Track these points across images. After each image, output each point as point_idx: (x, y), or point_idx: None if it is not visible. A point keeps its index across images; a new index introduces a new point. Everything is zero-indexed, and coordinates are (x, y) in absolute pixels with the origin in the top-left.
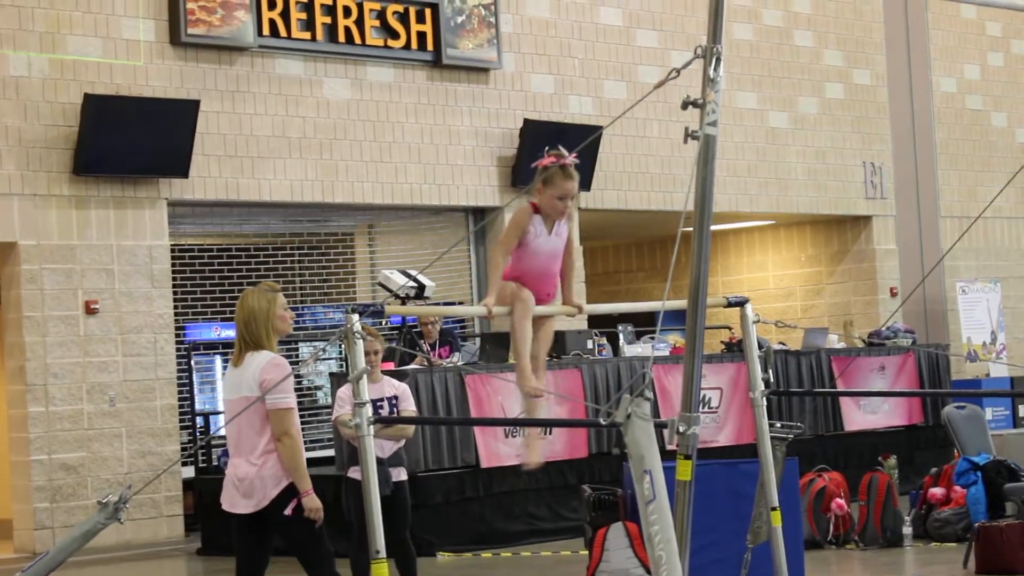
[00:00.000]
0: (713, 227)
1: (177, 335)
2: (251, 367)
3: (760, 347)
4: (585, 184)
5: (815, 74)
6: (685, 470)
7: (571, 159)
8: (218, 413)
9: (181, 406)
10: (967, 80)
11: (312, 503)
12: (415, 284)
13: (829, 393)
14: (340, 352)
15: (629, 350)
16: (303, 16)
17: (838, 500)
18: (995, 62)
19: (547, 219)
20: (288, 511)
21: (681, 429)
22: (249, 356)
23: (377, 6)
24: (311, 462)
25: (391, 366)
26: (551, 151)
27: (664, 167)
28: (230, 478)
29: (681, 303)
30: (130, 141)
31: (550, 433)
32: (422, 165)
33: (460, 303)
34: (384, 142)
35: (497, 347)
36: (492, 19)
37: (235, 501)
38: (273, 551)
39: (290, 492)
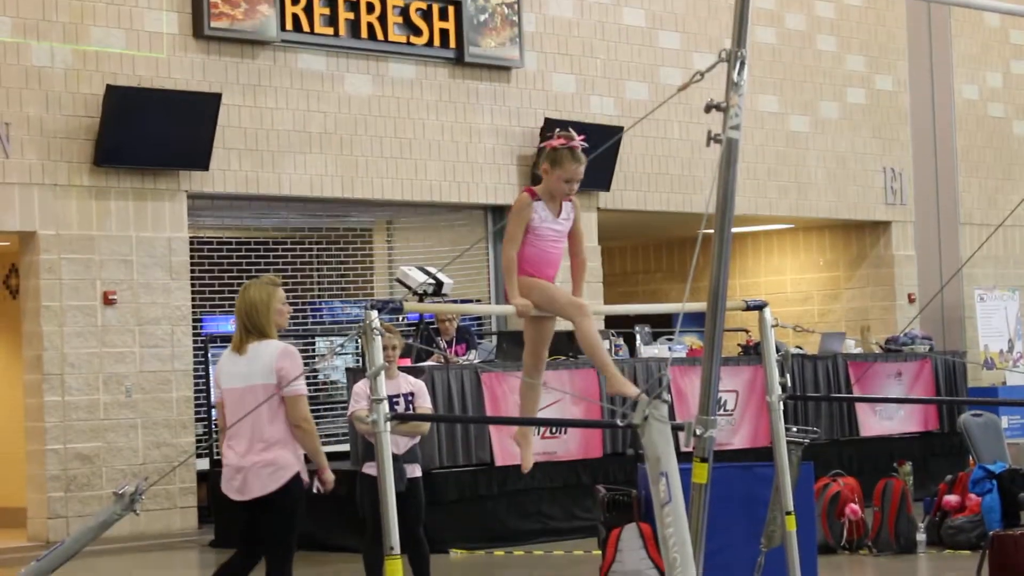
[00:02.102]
0: (732, 230)
1: (194, 327)
2: (263, 356)
3: (778, 351)
4: (605, 184)
5: (837, 79)
6: (701, 473)
7: (580, 141)
8: None
9: (197, 398)
10: (989, 88)
11: (330, 476)
12: (433, 281)
13: (846, 398)
14: (356, 347)
15: (646, 351)
16: (326, 11)
17: (852, 505)
18: (1018, 70)
19: (551, 202)
20: (313, 487)
21: (698, 432)
22: (254, 345)
23: (400, 2)
24: (325, 457)
25: (408, 362)
26: (561, 132)
27: (684, 168)
28: (233, 466)
29: (700, 306)
30: (151, 133)
31: (565, 433)
32: (442, 162)
33: (478, 301)
34: (404, 138)
35: (514, 345)
36: (515, 18)
37: (242, 488)
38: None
39: (294, 481)
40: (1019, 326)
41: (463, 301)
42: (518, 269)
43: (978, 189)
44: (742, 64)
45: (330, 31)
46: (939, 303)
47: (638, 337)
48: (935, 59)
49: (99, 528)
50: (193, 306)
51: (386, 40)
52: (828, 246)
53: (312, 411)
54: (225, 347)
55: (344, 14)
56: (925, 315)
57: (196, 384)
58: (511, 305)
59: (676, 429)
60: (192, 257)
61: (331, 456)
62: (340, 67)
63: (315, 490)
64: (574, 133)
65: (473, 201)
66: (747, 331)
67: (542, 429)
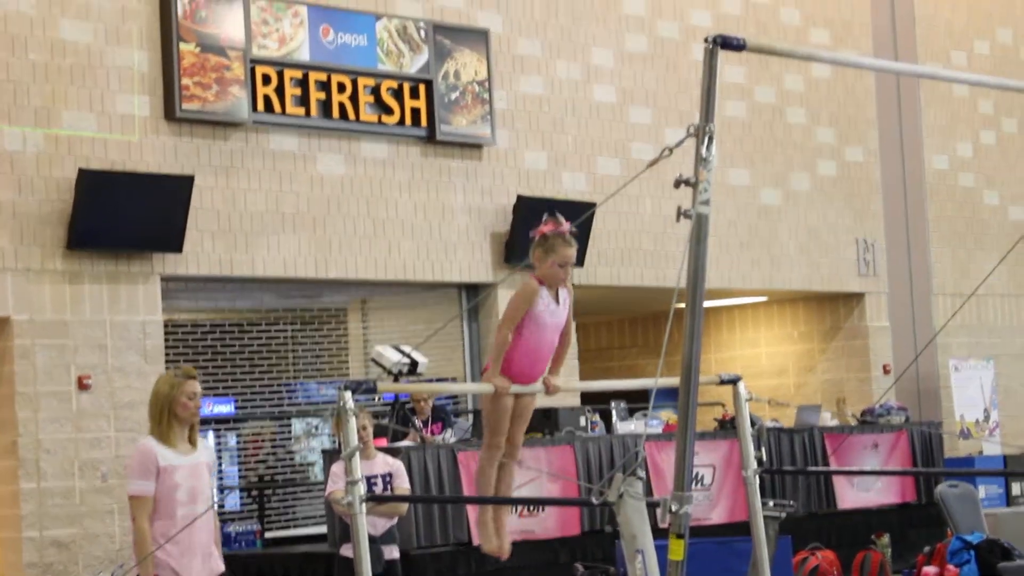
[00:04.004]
0: (705, 304)
1: None
2: None
3: (753, 424)
4: (578, 260)
5: (807, 151)
6: (678, 549)
7: (568, 226)
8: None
9: None
10: (959, 158)
11: None
12: (408, 360)
13: (822, 471)
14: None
15: (622, 427)
16: (297, 92)
17: None
18: (987, 140)
19: (550, 289)
20: None
21: (674, 508)
22: None
23: (371, 82)
24: (303, 539)
25: (384, 442)
26: (549, 218)
27: (657, 243)
28: None
29: (674, 381)
30: (124, 216)
31: (543, 511)
32: (415, 241)
33: (453, 379)
34: (377, 218)
35: None
36: (486, 95)
37: None
38: None
39: None
40: (994, 395)
41: (438, 380)
42: (508, 364)
43: (950, 259)
44: (710, 139)
45: (302, 111)
46: (914, 373)
47: (614, 413)
48: (905, 130)
49: None
50: None
51: (357, 119)
52: (802, 318)
53: (289, 493)
54: (200, 431)
55: (315, 94)
56: (900, 386)
57: None
58: (489, 384)
59: (652, 506)
60: (167, 340)
61: (309, 539)
62: (312, 147)
63: None
64: (561, 218)
65: (447, 279)
66: (723, 405)
67: (519, 508)
